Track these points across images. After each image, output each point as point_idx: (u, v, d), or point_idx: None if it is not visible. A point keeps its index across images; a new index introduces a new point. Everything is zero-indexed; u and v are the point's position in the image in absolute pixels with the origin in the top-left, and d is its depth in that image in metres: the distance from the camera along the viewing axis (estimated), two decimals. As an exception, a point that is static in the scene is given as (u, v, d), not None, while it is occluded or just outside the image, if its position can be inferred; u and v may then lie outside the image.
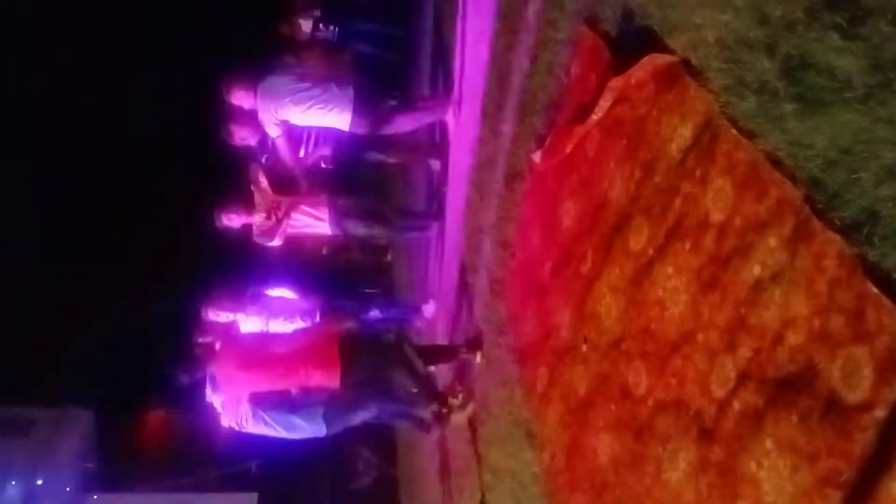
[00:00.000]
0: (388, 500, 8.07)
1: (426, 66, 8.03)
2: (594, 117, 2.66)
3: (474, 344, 4.71)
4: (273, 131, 5.78)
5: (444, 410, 4.60)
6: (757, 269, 1.77)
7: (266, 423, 4.45)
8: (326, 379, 4.33)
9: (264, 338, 5.32)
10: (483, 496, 4.27)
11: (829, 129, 1.54)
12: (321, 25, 9.40)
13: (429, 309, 6.96)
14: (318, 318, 6.26)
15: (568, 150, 2.95)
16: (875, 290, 1.42)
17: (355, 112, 5.64)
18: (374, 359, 4.59)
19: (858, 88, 1.46)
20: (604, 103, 2.57)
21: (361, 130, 5.80)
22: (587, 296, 2.80)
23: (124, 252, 25.18)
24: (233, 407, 4.43)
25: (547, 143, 3.21)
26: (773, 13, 1.73)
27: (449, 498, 5.65)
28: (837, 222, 1.52)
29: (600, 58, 2.72)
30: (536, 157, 3.30)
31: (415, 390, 4.61)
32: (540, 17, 3.51)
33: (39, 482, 17.85)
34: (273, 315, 6.16)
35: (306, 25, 9.47)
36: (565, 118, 3.03)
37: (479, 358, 4.66)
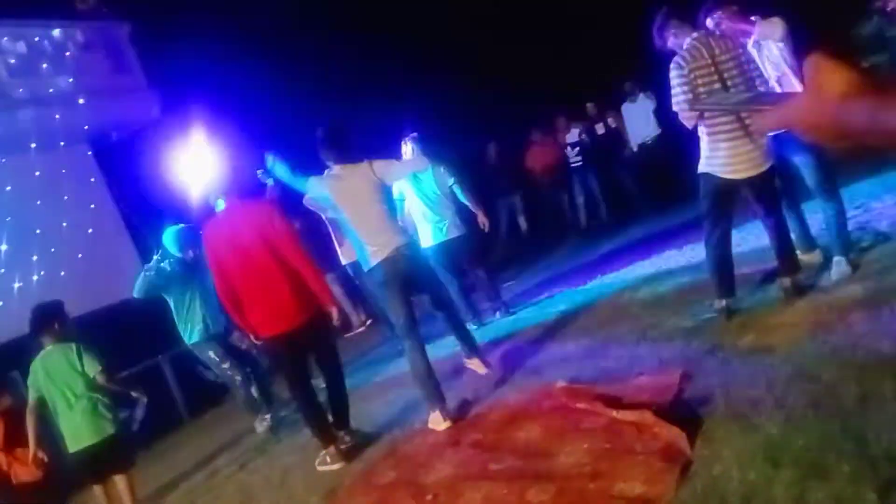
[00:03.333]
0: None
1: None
2: (614, 413, 3.09)
3: None
4: None
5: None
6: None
7: None
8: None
9: None
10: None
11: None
12: (577, 149, 10.11)
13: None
14: None
15: (579, 405, 3.36)
16: None
17: None
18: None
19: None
20: (628, 414, 3.00)
21: None
22: (470, 479, 3.16)
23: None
24: None
25: (574, 386, 3.64)
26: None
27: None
28: None
29: (665, 396, 3.16)
30: (559, 384, 3.73)
31: None
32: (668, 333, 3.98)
33: None
34: None
35: (572, 135, 10.20)
36: (602, 391, 3.45)
37: None
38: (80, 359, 4.37)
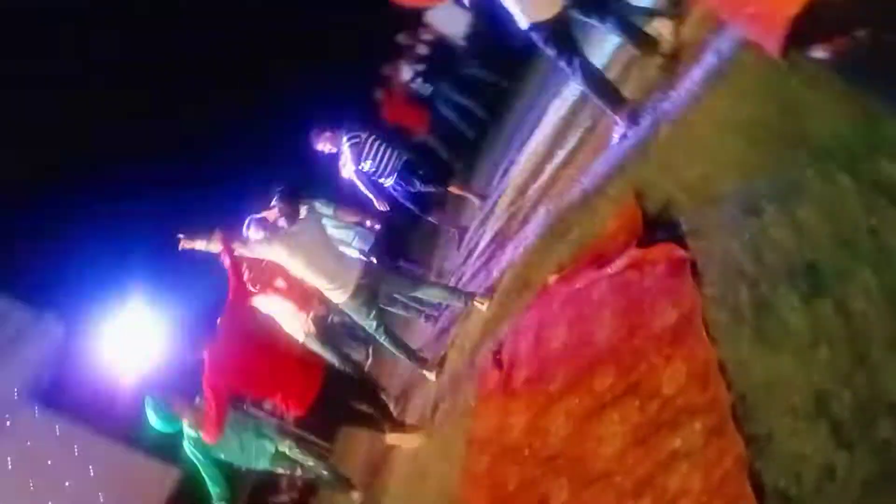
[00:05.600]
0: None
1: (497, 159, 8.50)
2: (608, 270, 3.12)
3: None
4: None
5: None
6: (678, 443, 2.18)
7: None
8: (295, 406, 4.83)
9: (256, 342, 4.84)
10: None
11: (767, 363, 1.97)
12: (420, 79, 10.09)
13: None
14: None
15: (578, 286, 3.39)
16: (750, 491, 1.82)
17: None
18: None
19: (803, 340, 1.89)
20: (620, 263, 3.03)
21: None
22: (545, 411, 3.18)
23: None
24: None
25: (564, 273, 3.67)
26: (768, 257, 2.19)
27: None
28: (746, 431, 1.93)
29: (634, 226, 3.18)
30: (552, 279, 3.76)
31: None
32: (601, 170, 4.03)
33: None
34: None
35: (406, 72, 10.19)
36: (587, 259, 3.49)
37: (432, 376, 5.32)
38: None
